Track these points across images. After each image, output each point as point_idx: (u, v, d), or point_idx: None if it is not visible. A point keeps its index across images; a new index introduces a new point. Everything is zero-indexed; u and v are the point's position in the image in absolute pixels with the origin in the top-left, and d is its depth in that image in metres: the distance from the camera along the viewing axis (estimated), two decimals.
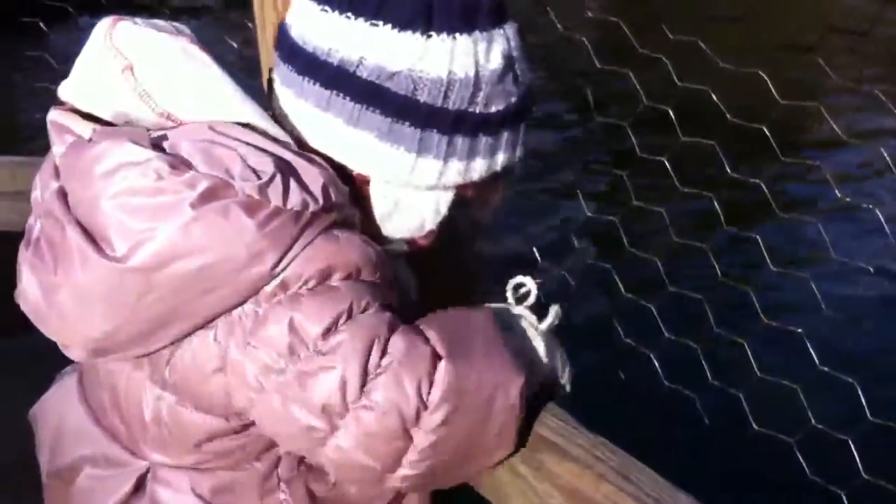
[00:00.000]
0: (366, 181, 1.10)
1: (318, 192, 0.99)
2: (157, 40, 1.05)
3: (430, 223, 1.14)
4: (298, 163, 1.02)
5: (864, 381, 1.98)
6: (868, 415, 1.88)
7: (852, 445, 1.81)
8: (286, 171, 0.99)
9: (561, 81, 5.50)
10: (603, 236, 3.74)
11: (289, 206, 0.96)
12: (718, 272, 2.53)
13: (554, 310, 1.24)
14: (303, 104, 1.07)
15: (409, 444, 1.02)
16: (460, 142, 1.06)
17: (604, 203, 4.27)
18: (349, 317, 0.99)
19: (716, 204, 2.44)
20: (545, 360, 1.19)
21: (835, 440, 1.89)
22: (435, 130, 1.04)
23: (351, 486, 1.16)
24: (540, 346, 1.19)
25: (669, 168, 2.45)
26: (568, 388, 1.25)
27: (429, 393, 1.01)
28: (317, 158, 1.05)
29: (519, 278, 1.27)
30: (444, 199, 1.12)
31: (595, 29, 4.82)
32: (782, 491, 2.58)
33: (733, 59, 2.37)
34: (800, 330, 2.16)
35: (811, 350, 2.07)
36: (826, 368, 1.99)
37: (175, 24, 1.10)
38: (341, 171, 1.07)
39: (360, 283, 1.02)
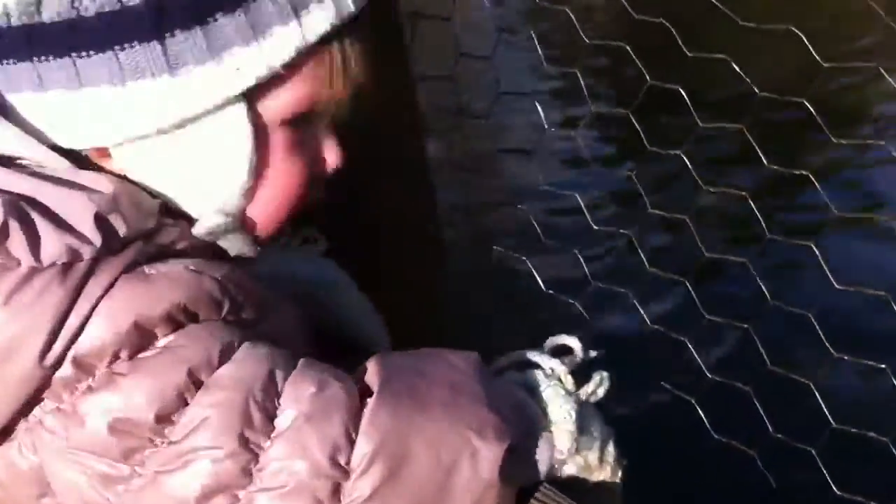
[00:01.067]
0: (106, 157, 0.83)
1: (88, 227, 0.76)
2: None
3: (241, 173, 0.84)
4: (55, 193, 0.78)
5: None
6: None
7: None
8: (31, 210, 0.76)
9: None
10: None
11: (44, 261, 0.74)
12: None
13: (599, 376, 0.98)
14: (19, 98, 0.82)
15: None
16: (179, 38, 0.77)
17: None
18: (197, 383, 0.76)
19: None
20: (571, 429, 0.90)
21: None
22: (134, 41, 0.77)
23: None
24: (569, 415, 0.91)
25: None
26: (618, 477, 0.97)
27: (350, 456, 0.76)
28: (96, 180, 0.80)
29: (563, 338, 1.00)
30: (234, 131, 0.82)
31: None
32: None
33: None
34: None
35: None
36: None
37: None
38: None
39: (206, 327, 0.78)
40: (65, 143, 0.82)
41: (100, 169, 0.84)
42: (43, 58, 0.78)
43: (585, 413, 0.95)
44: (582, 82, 2.48)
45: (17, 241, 0.74)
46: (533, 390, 0.93)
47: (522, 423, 0.87)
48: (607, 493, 0.98)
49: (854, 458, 1.87)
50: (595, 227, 2.08)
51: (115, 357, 0.76)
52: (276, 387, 0.78)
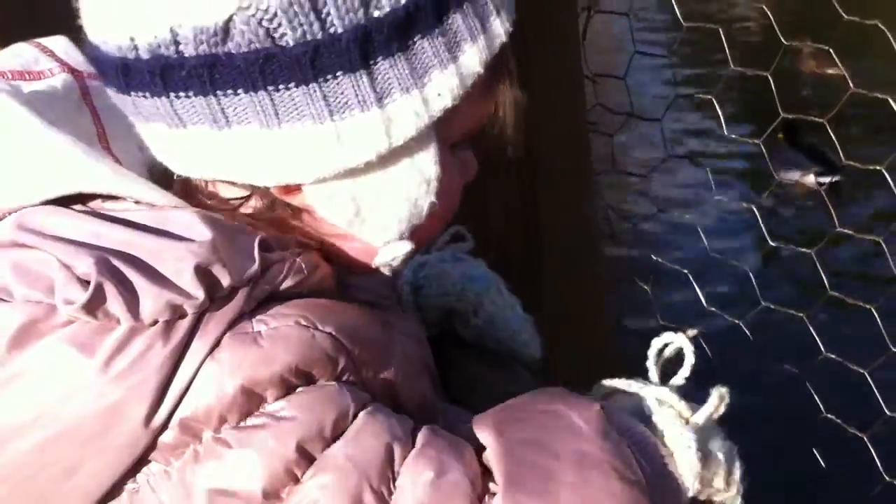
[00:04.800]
0: (295, 193, 0.78)
1: (188, 280, 0.71)
2: None
3: (427, 195, 0.80)
4: (150, 244, 0.73)
5: None
6: None
7: None
8: (126, 266, 0.72)
9: None
10: None
11: (145, 319, 0.70)
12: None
13: (717, 393, 0.91)
14: (151, 130, 0.77)
15: None
16: (384, 67, 0.72)
17: None
18: (309, 457, 0.70)
19: None
20: (696, 467, 0.83)
21: None
22: (339, 72, 0.71)
23: None
24: (689, 449, 0.83)
25: None
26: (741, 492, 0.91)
27: None
28: (189, 219, 0.75)
29: (670, 337, 0.94)
30: (424, 156, 0.78)
31: None
32: None
33: None
34: None
35: None
36: None
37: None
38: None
39: (319, 393, 0.72)
40: (256, 181, 0.78)
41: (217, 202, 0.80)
42: (230, 91, 0.73)
43: (706, 436, 0.89)
44: None
45: (113, 301, 0.70)
46: (646, 418, 0.87)
47: (664, 488, 0.82)
48: None
49: None
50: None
51: (223, 421, 0.72)
52: (392, 468, 0.72)
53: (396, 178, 0.79)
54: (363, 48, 0.71)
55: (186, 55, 0.70)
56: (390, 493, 0.71)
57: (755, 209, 2.29)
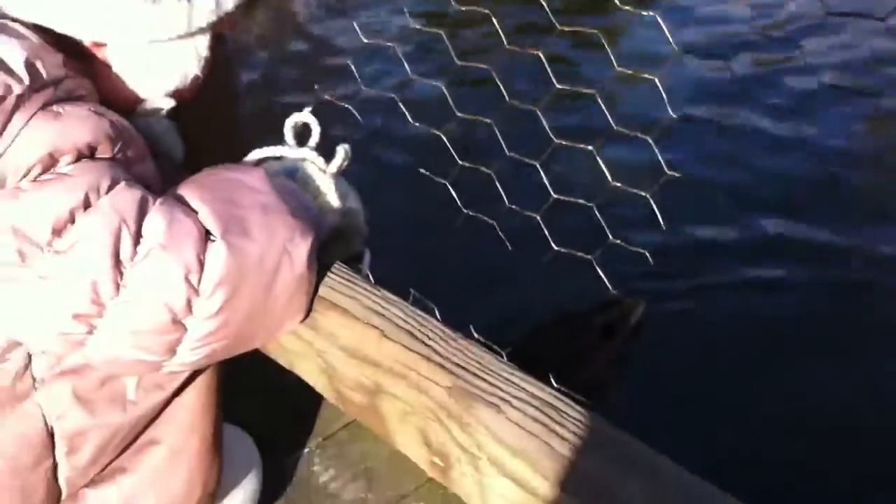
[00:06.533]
0: (101, 47, 1.06)
1: (20, 70, 0.93)
2: None
3: (195, 69, 1.11)
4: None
5: None
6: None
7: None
8: None
9: None
10: None
11: None
12: None
13: (343, 149, 1.18)
14: None
15: (183, 334, 0.97)
16: None
17: None
18: (87, 205, 0.91)
19: None
20: (336, 204, 1.15)
21: None
22: None
23: (126, 378, 1.08)
24: (330, 190, 1.14)
25: None
26: (366, 230, 1.23)
27: (200, 279, 0.95)
28: (22, 31, 0.99)
29: (299, 115, 1.21)
30: (203, 42, 1.09)
31: None
32: None
33: None
34: None
35: None
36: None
37: None
38: (67, 41, 1.02)
39: (98, 163, 0.95)
40: (75, 34, 1.05)
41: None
42: None
43: (341, 185, 1.18)
44: None
45: None
46: (294, 176, 1.15)
47: (309, 214, 1.08)
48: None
49: None
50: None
51: (26, 174, 0.91)
52: (143, 217, 0.95)
53: (181, 53, 1.08)
54: None
55: None
56: (140, 236, 0.94)
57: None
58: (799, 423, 2.34)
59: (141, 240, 0.93)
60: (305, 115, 1.20)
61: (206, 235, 0.96)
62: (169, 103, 1.14)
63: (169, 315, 0.94)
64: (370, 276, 1.32)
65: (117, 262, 0.92)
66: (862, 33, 4.32)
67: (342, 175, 1.20)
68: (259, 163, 1.19)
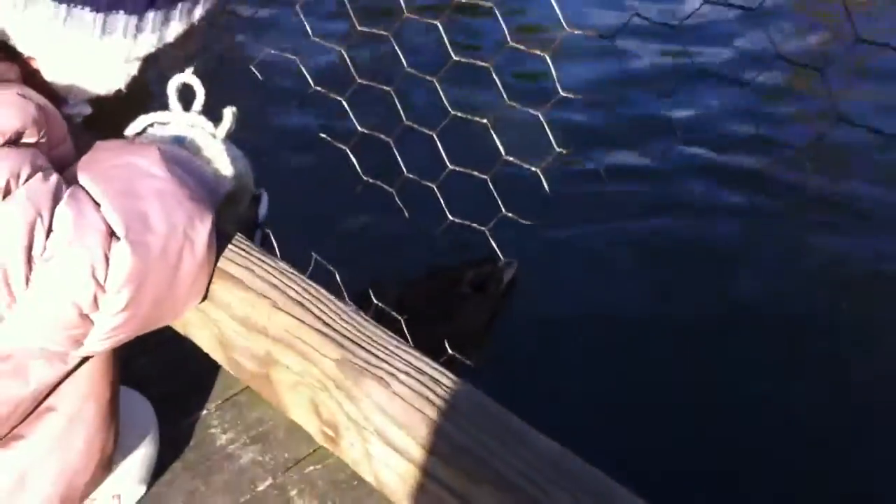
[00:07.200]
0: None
1: None
2: None
3: (121, 85, 1.15)
4: None
5: None
6: None
7: None
8: None
9: None
10: None
11: None
12: None
13: (230, 112, 1.20)
14: None
15: (90, 328, 0.99)
16: (152, 16, 1.07)
17: None
18: (7, 192, 0.92)
19: None
20: (229, 171, 1.18)
21: None
22: (121, 11, 1.04)
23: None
24: (221, 156, 1.17)
25: None
26: (256, 190, 1.28)
27: (106, 276, 0.96)
28: None
29: (181, 77, 1.22)
30: (136, 65, 1.13)
31: None
32: None
33: None
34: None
35: None
36: None
37: None
38: None
39: (21, 150, 0.96)
40: (18, 46, 1.08)
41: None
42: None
43: (230, 148, 1.21)
44: None
45: None
46: (184, 143, 1.17)
47: (207, 188, 1.11)
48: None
49: None
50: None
51: None
52: (52, 212, 0.95)
53: (113, 71, 1.11)
54: (150, 3, 1.06)
55: None
56: (50, 230, 0.94)
57: None
58: (683, 389, 2.48)
59: (51, 233, 0.94)
60: (188, 76, 1.20)
61: (110, 230, 0.97)
62: (87, 110, 1.17)
63: (76, 311, 0.96)
64: (273, 239, 1.34)
65: (28, 257, 0.92)
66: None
67: (230, 139, 1.22)
68: (147, 129, 1.21)
